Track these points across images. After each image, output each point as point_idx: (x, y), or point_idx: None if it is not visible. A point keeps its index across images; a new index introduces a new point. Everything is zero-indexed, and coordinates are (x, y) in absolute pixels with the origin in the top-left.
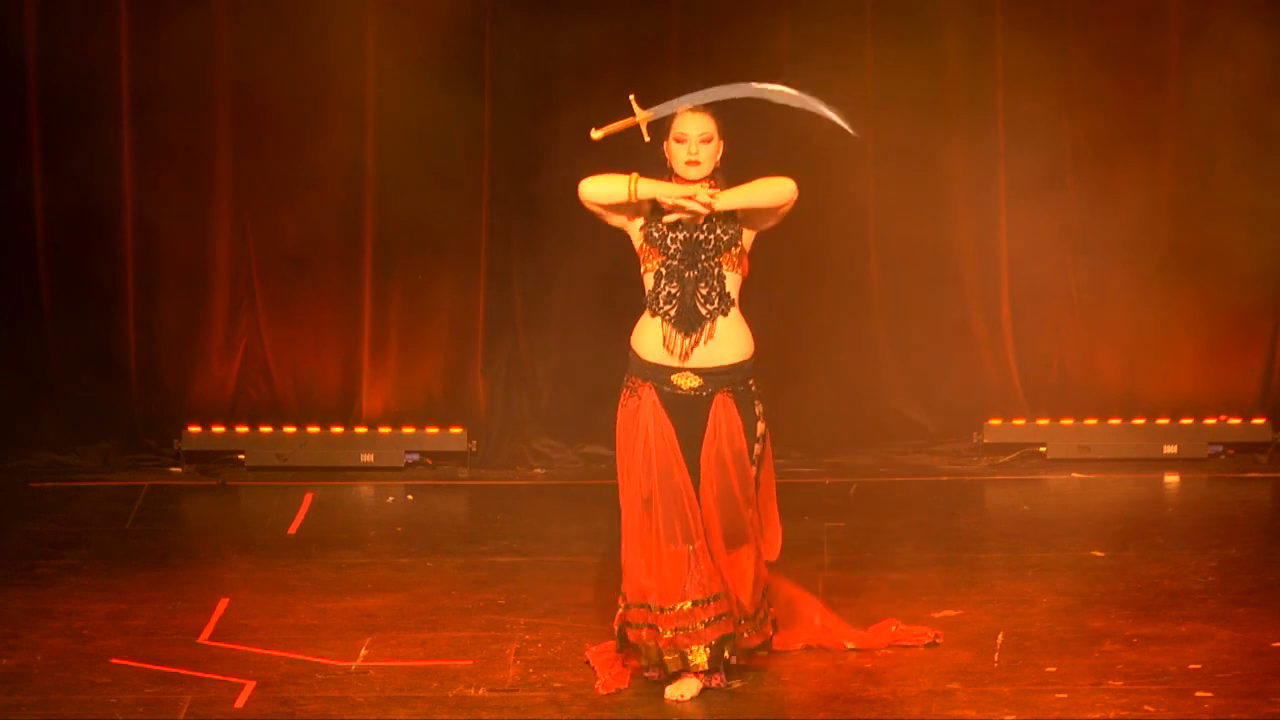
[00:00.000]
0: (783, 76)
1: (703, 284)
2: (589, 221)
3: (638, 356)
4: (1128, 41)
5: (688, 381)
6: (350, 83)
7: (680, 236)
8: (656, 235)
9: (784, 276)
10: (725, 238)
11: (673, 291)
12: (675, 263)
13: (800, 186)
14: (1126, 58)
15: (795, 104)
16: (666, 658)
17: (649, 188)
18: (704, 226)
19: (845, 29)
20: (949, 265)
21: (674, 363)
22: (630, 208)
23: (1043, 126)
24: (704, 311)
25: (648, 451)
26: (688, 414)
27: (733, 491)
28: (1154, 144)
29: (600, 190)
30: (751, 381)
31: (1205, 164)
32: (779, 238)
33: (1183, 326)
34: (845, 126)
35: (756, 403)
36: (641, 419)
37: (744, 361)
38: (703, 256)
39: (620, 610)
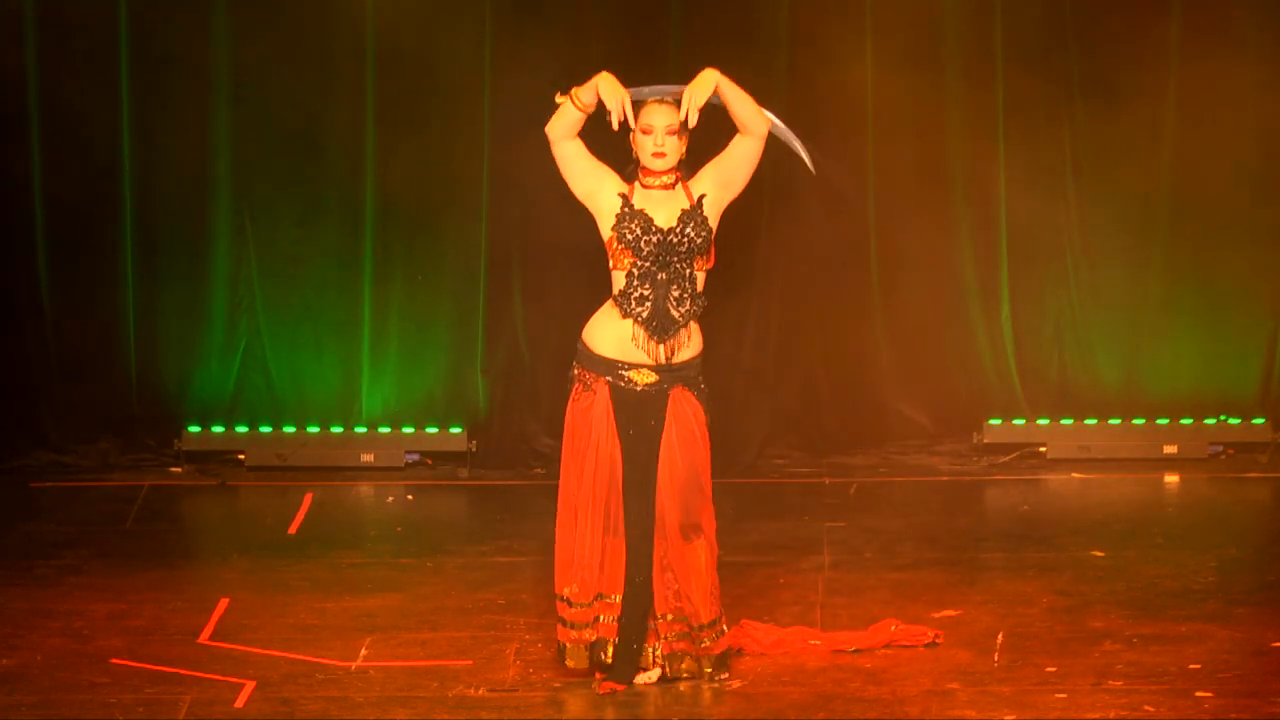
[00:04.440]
0: (782, 69)
1: (674, 286)
2: (589, 221)
3: (590, 350)
4: (1128, 43)
5: (644, 377)
6: (350, 83)
7: (654, 239)
8: (630, 236)
9: (784, 276)
10: (699, 240)
11: (645, 294)
12: (647, 264)
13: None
14: (1126, 59)
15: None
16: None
17: (591, 94)
18: (677, 229)
19: (846, 28)
20: (949, 265)
21: (631, 359)
22: (595, 174)
23: (1043, 127)
24: (676, 315)
25: (595, 448)
26: (639, 409)
27: (695, 482)
28: (1153, 145)
29: (557, 125)
30: (701, 380)
31: (1204, 165)
32: (779, 237)
33: (1183, 327)
34: (809, 163)
35: (703, 400)
36: (595, 415)
37: (697, 357)
38: (675, 259)
39: (567, 617)
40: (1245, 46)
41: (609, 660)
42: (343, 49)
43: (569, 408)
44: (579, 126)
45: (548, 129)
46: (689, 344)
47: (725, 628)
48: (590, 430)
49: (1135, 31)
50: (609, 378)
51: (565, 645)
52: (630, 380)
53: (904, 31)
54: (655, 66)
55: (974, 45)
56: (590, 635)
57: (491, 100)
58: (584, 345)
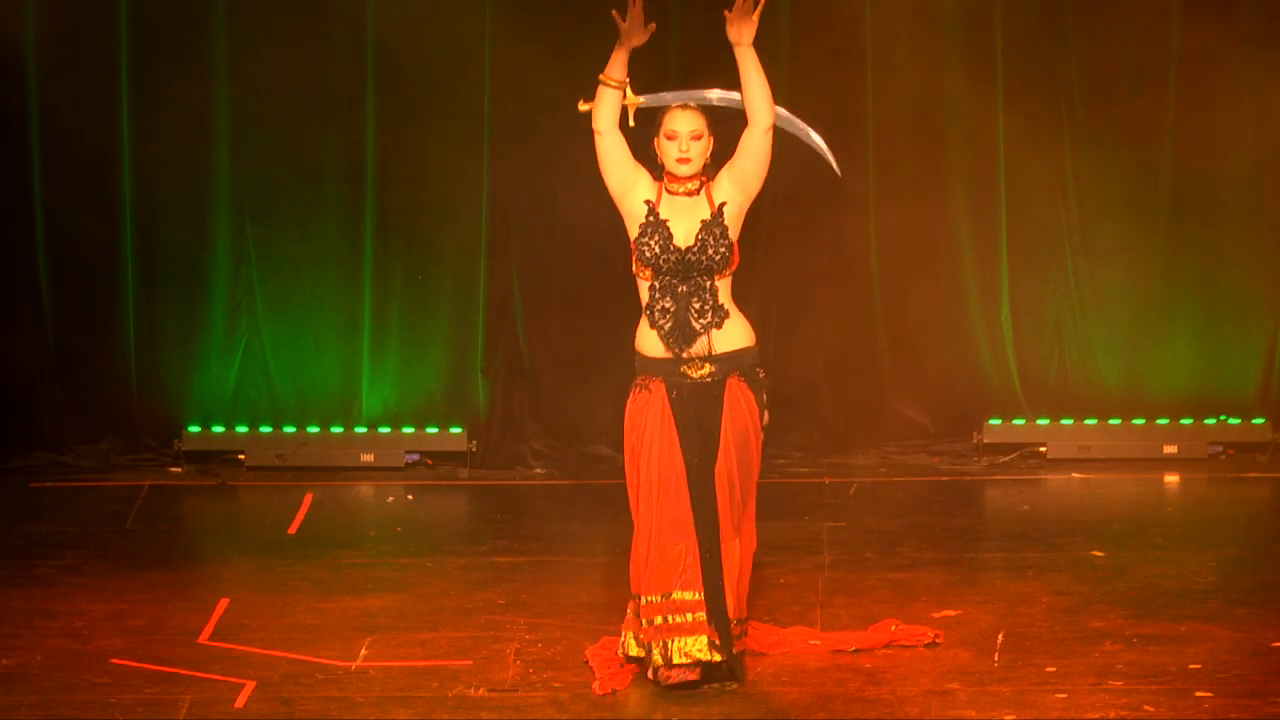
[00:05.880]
0: (782, 71)
1: (695, 299)
2: (590, 221)
3: (644, 356)
4: (1128, 43)
5: (699, 370)
6: (351, 83)
7: (671, 259)
8: (649, 254)
9: (784, 276)
10: (717, 257)
11: (666, 306)
12: (667, 279)
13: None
14: (1126, 59)
15: (788, 128)
16: (655, 650)
17: (616, 66)
18: (695, 247)
19: (846, 29)
20: (949, 265)
21: (682, 354)
22: (630, 173)
23: (1044, 126)
24: (698, 326)
25: (650, 446)
26: (700, 403)
27: (746, 474)
28: (1153, 145)
29: (599, 114)
30: (760, 371)
31: (1205, 165)
32: (779, 236)
33: (1183, 326)
34: (834, 165)
35: (764, 392)
36: (650, 412)
37: (749, 348)
38: (695, 274)
39: (637, 614)
40: (1245, 47)
41: (722, 656)
42: (343, 49)
43: (627, 409)
44: (619, 109)
45: (593, 121)
46: (734, 336)
47: (746, 630)
48: (645, 428)
49: (1135, 31)
50: (665, 377)
51: (677, 641)
52: (685, 375)
53: (904, 32)
54: (655, 67)
55: (974, 45)
56: (700, 627)
57: (492, 100)
58: (637, 353)
